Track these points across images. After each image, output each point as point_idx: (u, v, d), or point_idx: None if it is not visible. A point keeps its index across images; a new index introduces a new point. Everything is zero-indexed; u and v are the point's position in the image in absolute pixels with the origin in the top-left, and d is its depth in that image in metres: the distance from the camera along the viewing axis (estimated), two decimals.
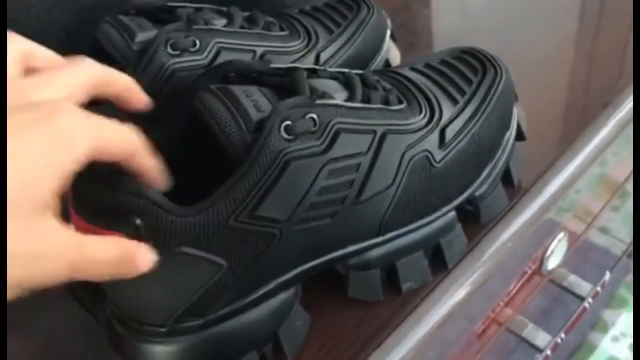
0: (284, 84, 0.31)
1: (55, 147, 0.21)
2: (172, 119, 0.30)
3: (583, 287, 0.52)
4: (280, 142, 0.27)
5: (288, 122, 0.28)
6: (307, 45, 0.40)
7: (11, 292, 0.21)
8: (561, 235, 0.46)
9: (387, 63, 0.45)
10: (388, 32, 0.44)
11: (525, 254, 0.44)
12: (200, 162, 0.30)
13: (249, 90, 0.29)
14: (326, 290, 0.34)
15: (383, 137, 0.31)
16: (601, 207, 0.57)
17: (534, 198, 0.39)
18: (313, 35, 0.41)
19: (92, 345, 0.34)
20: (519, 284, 0.45)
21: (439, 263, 0.36)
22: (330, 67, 0.40)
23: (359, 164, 0.30)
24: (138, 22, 0.36)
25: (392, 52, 0.45)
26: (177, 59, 0.35)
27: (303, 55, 0.40)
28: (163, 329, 0.29)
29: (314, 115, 0.29)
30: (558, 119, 0.47)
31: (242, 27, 0.38)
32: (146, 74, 0.34)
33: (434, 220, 0.34)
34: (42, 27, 0.40)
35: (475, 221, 0.37)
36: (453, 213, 0.35)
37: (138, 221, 0.25)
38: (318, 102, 0.29)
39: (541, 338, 0.49)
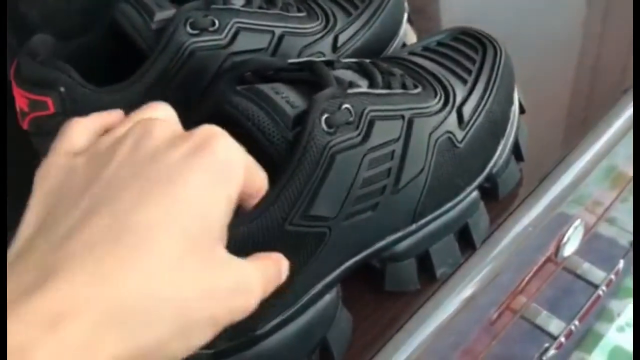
0: (304, 77, 0.29)
1: (221, 176, 0.20)
2: (194, 106, 0.29)
3: (597, 275, 0.53)
4: (324, 136, 0.26)
5: (327, 115, 0.26)
6: (325, 27, 0.39)
7: (207, 331, 0.20)
8: (577, 222, 0.47)
9: (404, 46, 0.44)
10: (405, 16, 0.44)
11: (541, 241, 0.44)
12: None
13: (276, 88, 0.28)
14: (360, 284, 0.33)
15: (411, 122, 0.31)
16: (611, 199, 0.57)
17: (555, 181, 0.39)
18: (331, 17, 0.40)
19: None
20: (534, 272, 0.45)
21: (465, 244, 0.35)
22: (348, 50, 0.39)
23: (393, 151, 0.30)
24: (156, 0, 0.34)
25: (409, 36, 0.44)
26: (196, 39, 0.33)
27: (321, 37, 0.38)
28: (210, 351, 0.27)
29: (349, 106, 0.28)
30: (575, 104, 0.47)
31: (260, 7, 0.37)
32: (165, 54, 0.33)
33: (460, 201, 0.34)
34: (58, 7, 0.38)
35: (493, 198, 0.37)
36: (476, 192, 0.35)
37: None
38: (349, 91, 0.28)
39: (555, 325, 0.49)
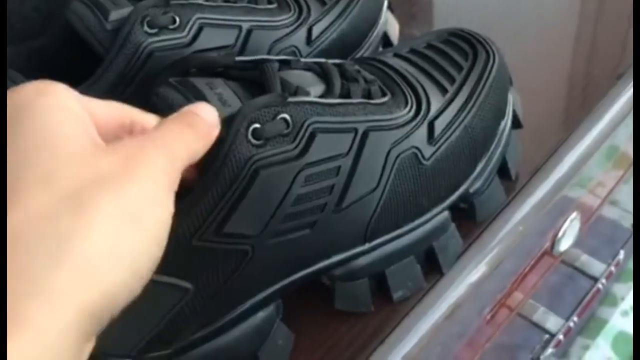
0: (253, 77, 0.27)
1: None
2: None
3: (596, 267, 0.50)
4: (248, 149, 0.24)
5: (256, 125, 0.24)
6: (297, 19, 0.37)
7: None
8: (573, 215, 0.44)
9: (385, 36, 0.41)
10: (385, 2, 0.41)
11: (536, 235, 0.41)
12: None
13: (212, 83, 0.26)
14: (311, 302, 0.31)
15: (365, 135, 0.28)
16: (614, 180, 0.54)
17: (545, 178, 0.37)
18: (304, 8, 0.37)
19: None
20: (530, 267, 0.42)
21: (432, 267, 0.33)
22: (324, 42, 0.37)
23: (339, 167, 0.27)
24: None
25: (390, 24, 0.42)
26: (155, 38, 0.31)
27: (294, 30, 0.36)
28: None
29: (286, 116, 0.25)
30: (565, 91, 0.44)
31: (225, 1, 0.35)
32: (121, 56, 0.31)
33: (425, 223, 0.31)
34: (11, 6, 0.37)
35: (470, 220, 0.34)
36: (446, 213, 0.32)
37: None
38: (291, 100, 0.26)
39: (553, 322, 0.46)
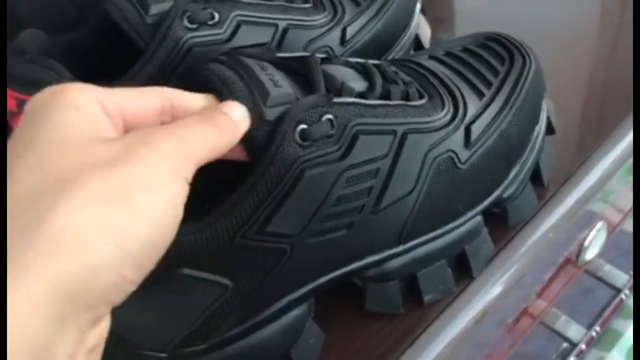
0: (297, 69, 0.27)
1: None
2: None
3: (619, 277, 0.50)
4: (295, 150, 0.24)
5: (303, 126, 0.24)
6: (332, 19, 0.37)
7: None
8: (600, 224, 0.44)
9: (416, 39, 0.41)
10: (418, 5, 0.41)
11: (562, 244, 0.41)
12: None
13: (263, 65, 0.25)
14: (342, 302, 0.32)
15: (404, 138, 0.28)
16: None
17: (576, 185, 0.37)
18: (339, 8, 0.37)
19: None
20: (554, 275, 0.42)
21: (464, 270, 0.33)
22: (357, 43, 0.37)
23: (377, 169, 0.27)
24: None
25: (422, 28, 0.42)
26: (194, 33, 0.31)
27: (328, 30, 0.36)
28: (164, 355, 0.27)
29: (331, 117, 0.25)
30: (594, 101, 0.44)
31: None
32: (161, 50, 0.31)
33: (458, 226, 0.31)
34: (48, 0, 0.37)
35: (503, 225, 0.34)
36: (479, 218, 0.32)
37: None
38: (336, 100, 0.26)
39: (574, 331, 0.46)
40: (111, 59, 0.35)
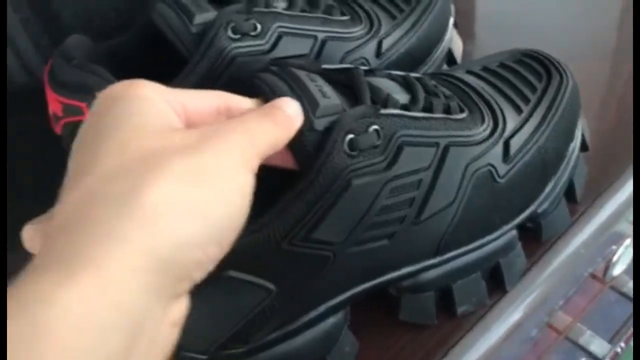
0: (341, 81, 0.28)
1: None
2: None
3: None
4: (344, 160, 0.25)
5: (352, 136, 0.25)
6: (368, 32, 0.38)
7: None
8: (628, 241, 0.44)
9: (449, 53, 0.42)
10: (451, 20, 0.41)
11: (589, 260, 0.41)
12: None
13: (312, 76, 0.26)
14: (375, 311, 0.32)
15: (446, 150, 0.28)
16: None
17: (608, 201, 0.37)
18: (375, 21, 0.38)
19: None
20: (580, 291, 0.42)
21: (497, 283, 0.33)
22: (392, 55, 0.38)
23: (420, 180, 0.28)
24: (196, 2, 0.33)
25: (454, 42, 0.42)
26: (238, 44, 0.32)
27: (364, 42, 0.37)
28: (204, 357, 0.27)
29: (378, 127, 0.26)
30: (627, 115, 0.44)
31: (303, 10, 0.36)
32: (205, 59, 0.32)
33: (494, 240, 0.32)
34: (91, 6, 0.38)
35: (536, 240, 0.34)
36: (514, 232, 0.32)
37: None
38: (382, 111, 0.26)
39: (598, 346, 0.46)
40: (151, 66, 0.35)
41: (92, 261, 0.17)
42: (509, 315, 0.33)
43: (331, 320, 0.29)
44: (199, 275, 0.19)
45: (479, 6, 0.56)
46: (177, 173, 0.18)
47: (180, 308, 0.20)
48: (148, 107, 0.20)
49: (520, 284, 0.34)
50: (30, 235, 0.22)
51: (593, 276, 0.45)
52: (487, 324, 0.32)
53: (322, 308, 0.28)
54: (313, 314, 0.28)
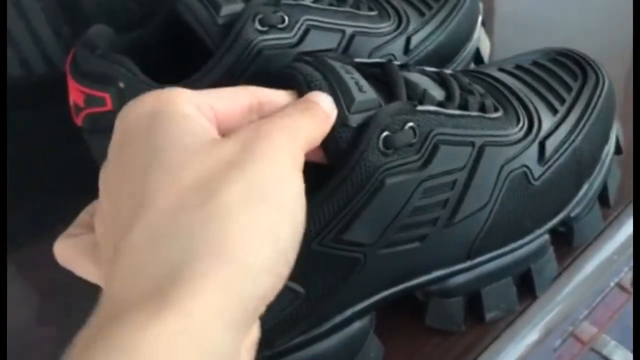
0: (376, 75, 0.27)
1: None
2: None
3: None
4: (378, 158, 0.23)
5: (387, 133, 0.24)
6: (397, 28, 0.36)
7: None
8: None
9: (477, 52, 0.41)
10: (480, 18, 0.40)
11: (617, 269, 0.40)
12: None
13: (348, 68, 0.25)
14: (401, 315, 0.31)
15: (481, 150, 0.27)
16: None
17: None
18: (404, 17, 0.37)
19: None
20: (605, 300, 0.41)
21: (527, 289, 0.32)
22: (420, 52, 0.37)
23: (455, 181, 0.26)
24: None
25: (482, 41, 0.41)
26: (265, 36, 0.31)
27: (393, 39, 0.36)
28: None
29: (414, 125, 0.25)
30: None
31: (331, 5, 0.34)
32: (232, 52, 0.31)
33: (526, 244, 0.30)
34: None
35: (567, 244, 0.33)
36: (547, 236, 0.31)
37: None
38: (419, 108, 0.25)
39: (622, 356, 0.45)
40: (173, 57, 0.35)
41: (170, 303, 0.16)
42: (538, 323, 0.32)
43: (357, 325, 0.28)
44: (272, 296, 0.19)
45: (497, 5, 0.55)
46: (236, 196, 0.18)
47: (255, 332, 0.19)
48: (187, 124, 0.19)
49: (550, 290, 0.33)
50: (63, 249, 0.21)
51: (620, 286, 0.44)
52: (516, 331, 0.31)
53: (348, 312, 0.27)
54: (339, 318, 0.27)
